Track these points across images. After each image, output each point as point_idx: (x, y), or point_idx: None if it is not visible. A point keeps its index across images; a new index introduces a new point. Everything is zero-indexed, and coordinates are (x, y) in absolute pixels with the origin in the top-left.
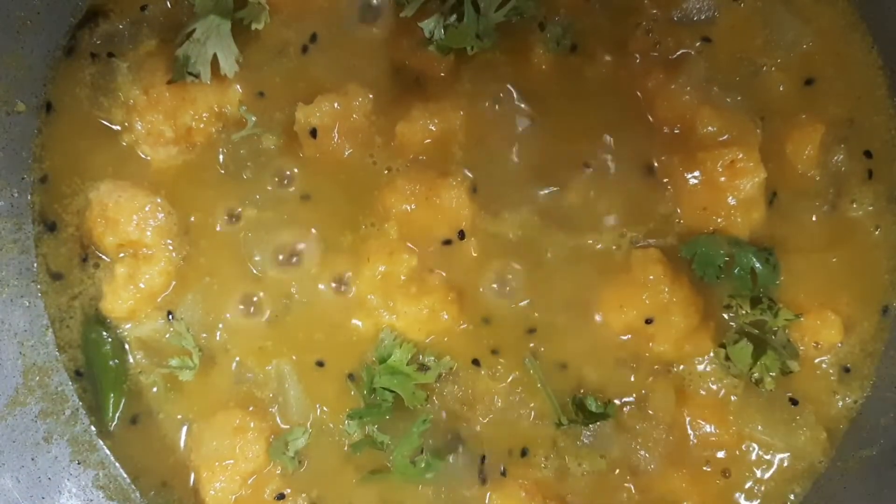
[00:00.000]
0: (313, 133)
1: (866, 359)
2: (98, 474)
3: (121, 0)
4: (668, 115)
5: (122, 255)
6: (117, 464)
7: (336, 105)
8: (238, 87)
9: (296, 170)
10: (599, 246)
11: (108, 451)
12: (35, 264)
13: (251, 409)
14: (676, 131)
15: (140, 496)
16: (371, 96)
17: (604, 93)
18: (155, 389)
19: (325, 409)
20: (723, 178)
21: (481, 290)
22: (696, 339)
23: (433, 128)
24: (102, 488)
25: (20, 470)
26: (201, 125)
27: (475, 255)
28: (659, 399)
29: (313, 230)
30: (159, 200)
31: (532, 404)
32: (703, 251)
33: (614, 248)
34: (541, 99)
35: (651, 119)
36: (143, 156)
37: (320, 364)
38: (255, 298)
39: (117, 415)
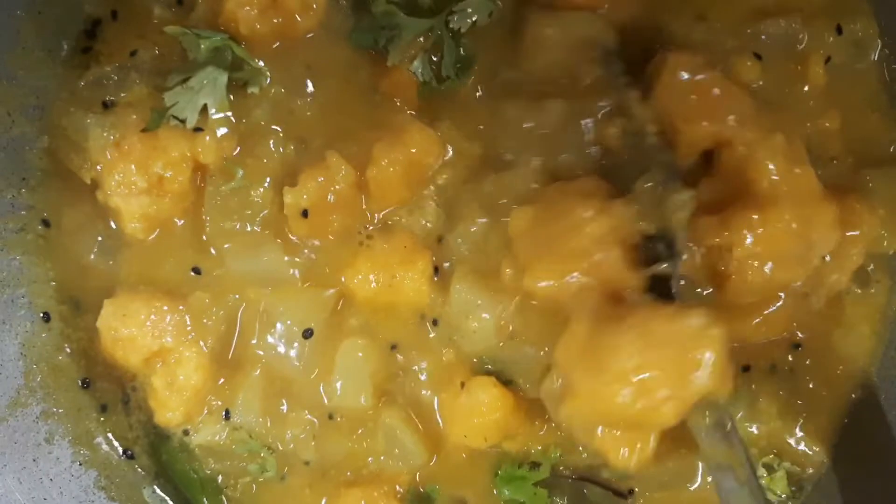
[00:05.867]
0: (305, 214)
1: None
2: (99, 475)
3: (115, 41)
4: None
5: (158, 364)
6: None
7: (320, 179)
8: (207, 137)
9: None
10: None
11: (109, 451)
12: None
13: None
14: None
15: None
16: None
17: None
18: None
19: None
20: None
21: None
22: None
23: (401, 157)
24: (104, 489)
25: (22, 471)
26: (179, 178)
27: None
28: None
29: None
30: (160, 305)
31: None
32: None
33: None
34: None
35: None
36: (112, 209)
37: None
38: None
39: None
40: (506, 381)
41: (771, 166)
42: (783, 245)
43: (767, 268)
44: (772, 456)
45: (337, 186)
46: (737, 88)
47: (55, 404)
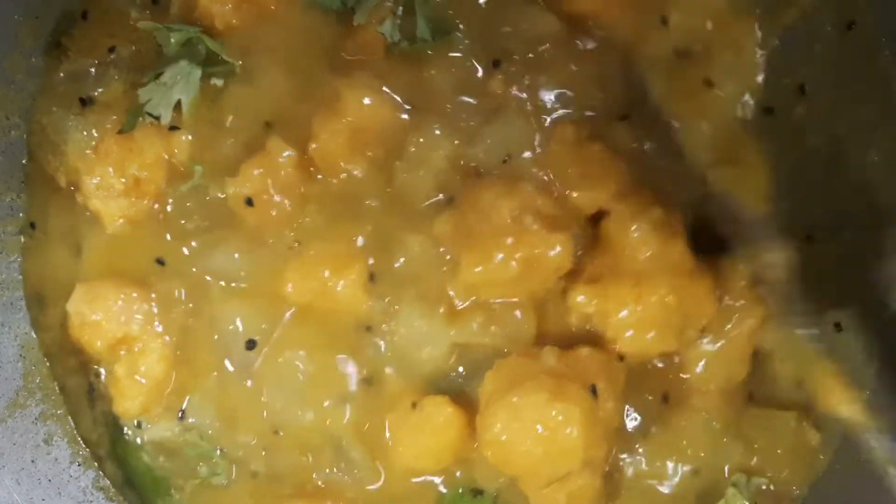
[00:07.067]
0: (249, 202)
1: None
2: (98, 476)
3: (84, 40)
4: None
5: (122, 351)
6: None
7: (261, 169)
8: (188, 136)
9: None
10: None
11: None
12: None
13: None
14: None
15: None
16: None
17: None
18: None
19: None
20: None
21: None
22: None
23: (340, 126)
24: (103, 490)
25: (20, 472)
26: (155, 179)
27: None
28: None
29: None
30: (129, 292)
31: None
32: None
33: None
34: None
35: None
36: (92, 211)
37: None
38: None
39: None
40: (458, 398)
41: (644, 239)
42: (657, 317)
43: (642, 337)
44: (739, 474)
45: (283, 172)
46: (617, 159)
47: (54, 405)
